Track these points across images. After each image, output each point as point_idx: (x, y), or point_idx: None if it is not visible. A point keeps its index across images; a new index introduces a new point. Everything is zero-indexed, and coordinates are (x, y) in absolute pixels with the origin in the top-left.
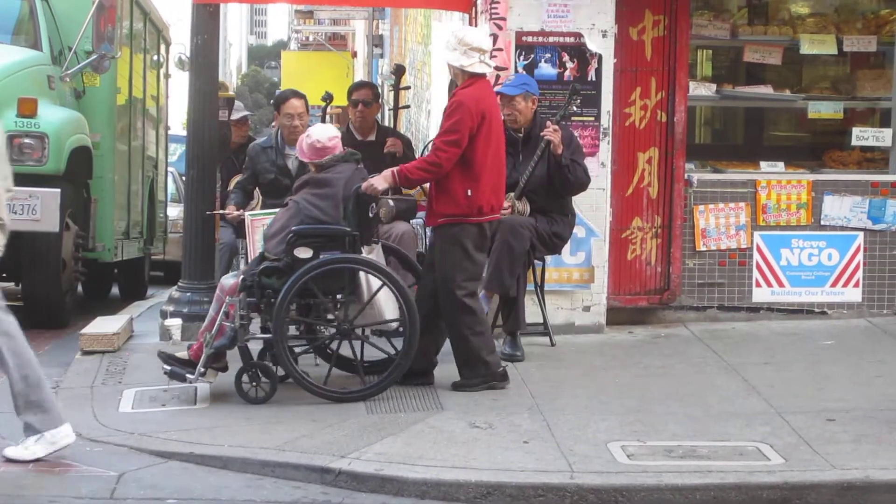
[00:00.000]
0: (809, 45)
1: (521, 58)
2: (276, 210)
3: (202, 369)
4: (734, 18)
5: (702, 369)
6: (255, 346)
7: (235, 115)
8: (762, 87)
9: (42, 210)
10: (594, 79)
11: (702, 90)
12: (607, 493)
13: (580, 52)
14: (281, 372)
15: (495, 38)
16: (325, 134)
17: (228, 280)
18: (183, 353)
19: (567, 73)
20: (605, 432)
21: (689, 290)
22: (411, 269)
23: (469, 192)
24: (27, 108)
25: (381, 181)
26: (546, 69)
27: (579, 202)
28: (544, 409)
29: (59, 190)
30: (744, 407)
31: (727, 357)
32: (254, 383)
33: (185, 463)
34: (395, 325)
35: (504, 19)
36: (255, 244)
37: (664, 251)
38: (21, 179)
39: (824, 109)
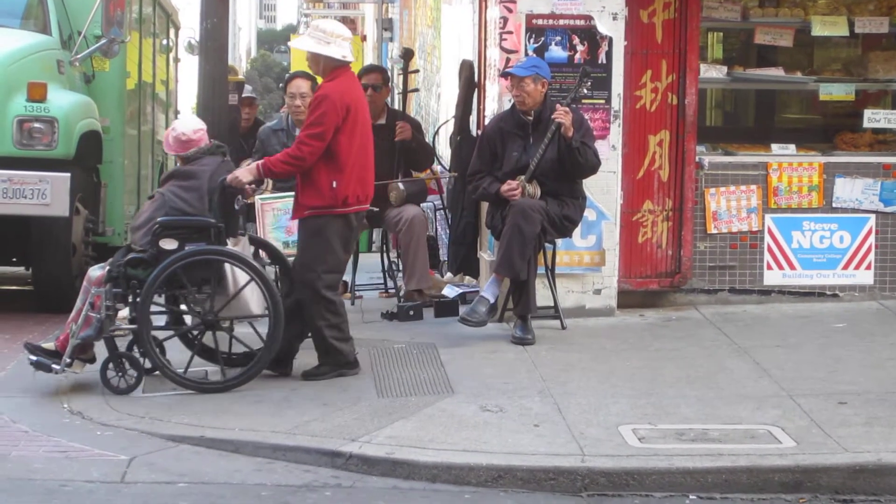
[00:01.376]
0: (821, 27)
1: (532, 41)
2: (289, 194)
3: (68, 360)
4: (745, 0)
5: (713, 352)
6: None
7: (243, 95)
8: (773, 70)
9: (52, 194)
10: (605, 61)
11: (713, 72)
12: (618, 476)
13: (590, 35)
14: (150, 364)
15: (505, 20)
16: (190, 126)
17: (95, 271)
18: (49, 344)
19: (577, 55)
20: (617, 415)
21: (700, 272)
22: (280, 261)
23: (334, 184)
24: (37, 93)
25: (245, 174)
26: (556, 52)
27: (590, 185)
28: (555, 393)
29: (68, 174)
30: (755, 390)
31: (738, 340)
32: (119, 374)
33: (195, 447)
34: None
35: (514, 2)
36: (265, 227)
37: (675, 234)
38: (31, 164)
39: (836, 91)
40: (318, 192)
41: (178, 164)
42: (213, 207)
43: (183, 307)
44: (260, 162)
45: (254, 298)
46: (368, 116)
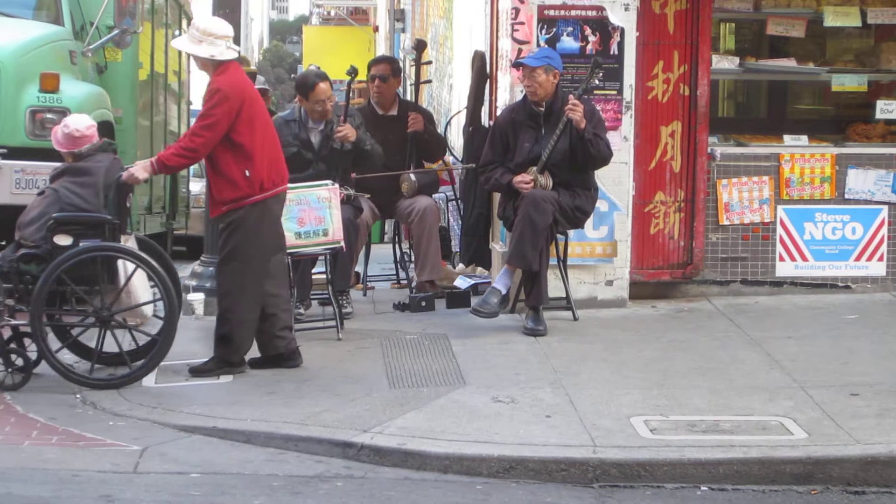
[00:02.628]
0: (833, 18)
1: (543, 31)
2: (306, 184)
3: None
4: None
5: (725, 343)
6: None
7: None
8: (785, 60)
9: None
10: (616, 52)
11: (725, 63)
12: (630, 467)
13: (602, 26)
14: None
15: (517, 11)
16: (83, 123)
17: None
18: None
19: (589, 46)
20: (628, 406)
21: (712, 264)
22: (165, 262)
23: (247, 173)
24: (49, 84)
25: (140, 171)
26: (568, 43)
27: (602, 176)
28: (567, 384)
29: None
30: (767, 381)
31: (750, 331)
32: (9, 369)
33: (208, 437)
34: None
35: None
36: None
37: (687, 225)
38: (44, 154)
39: (848, 82)
40: (234, 185)
41: (69, 161)
42: (108, 204)
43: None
44: (154, 158)
45: (147, 295)
46: (263, 104)
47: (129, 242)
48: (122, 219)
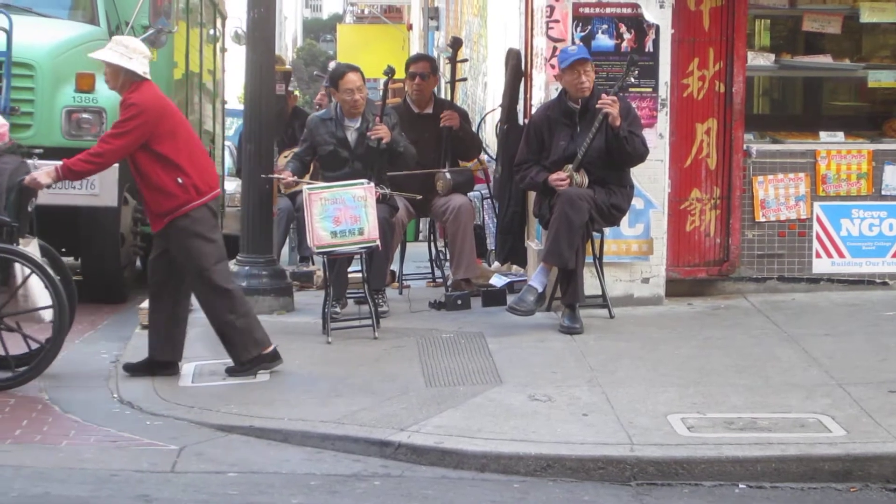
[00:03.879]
0: (869, 14)
1: (579, 29)
2: (341, 183)
3: None
4: None
5: (761, 341)
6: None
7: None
8: (821, 57)
9: (100, 185)
10: (651, 50)
11: (760, 60)
12: (667, 465)
13: (637, 23)
14: None
15: (552, 9)
16: None
17: None
18: None
19: (624, 44)
20: (665, 404)
21: (748, 261)
22: (64, 271)
23: (180, 180)
24: (85, 84)
25: (44, 176)
26: (603, 40)
27: (637, 174)
28: (603, 382)
29: (117, 165)
30: (804, 378)
31: (787, 328)
32: None
33: (245, 436)
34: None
35: None
36: (313, 217)
37: (723, 222)
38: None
39: (884, 78)
40: (169, 195)
41: None
42: (8, 206)
43: None
44: (59, 164)
45: (42, 297)
46: (182, 117)
47: (30, 247)
48: (22, 222)
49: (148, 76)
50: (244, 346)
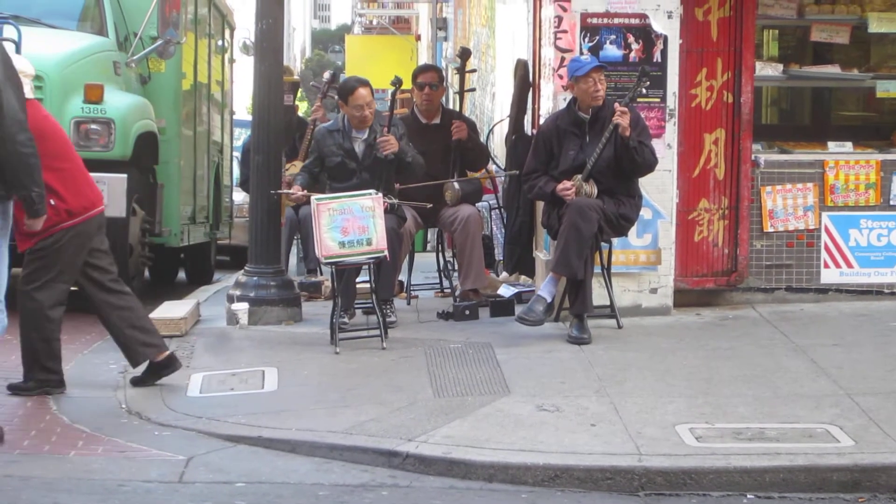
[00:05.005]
0: (878, 24)
1: (587, 40)
2: (349, 194)
3: None
4: None
5: (770, 351)
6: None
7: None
8: (829, 67)
9: (109, 195)
10: (659, 60)
11: (768, 70)
12: (676, 475)
13: (645, 33)
14: None
15: (560, 19)
16: None
17: None
18: None
19: (632, 54)
20: (673, 415)
21: (756, 271)
22: None
23: (52, 202)
24: (94, 94)
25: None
26: (611, 51)
27: (646, 184)
28: (611, 392)
29: (125, 175)
30: (813, 389)
31: (795, 339)
32: None
33: (253, 447)
34: None
35: (569, 1)
36: (321, 228)
37: (731, 232)
38: (88, 165)
39: (893, 89)
40: None
41: None
42: None
43: None
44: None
45: None
46: (57, 132)
47: None
48: None
49: (32, 96)
50: (37, 365)
